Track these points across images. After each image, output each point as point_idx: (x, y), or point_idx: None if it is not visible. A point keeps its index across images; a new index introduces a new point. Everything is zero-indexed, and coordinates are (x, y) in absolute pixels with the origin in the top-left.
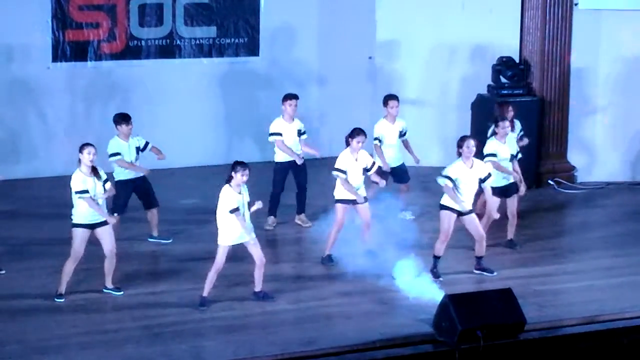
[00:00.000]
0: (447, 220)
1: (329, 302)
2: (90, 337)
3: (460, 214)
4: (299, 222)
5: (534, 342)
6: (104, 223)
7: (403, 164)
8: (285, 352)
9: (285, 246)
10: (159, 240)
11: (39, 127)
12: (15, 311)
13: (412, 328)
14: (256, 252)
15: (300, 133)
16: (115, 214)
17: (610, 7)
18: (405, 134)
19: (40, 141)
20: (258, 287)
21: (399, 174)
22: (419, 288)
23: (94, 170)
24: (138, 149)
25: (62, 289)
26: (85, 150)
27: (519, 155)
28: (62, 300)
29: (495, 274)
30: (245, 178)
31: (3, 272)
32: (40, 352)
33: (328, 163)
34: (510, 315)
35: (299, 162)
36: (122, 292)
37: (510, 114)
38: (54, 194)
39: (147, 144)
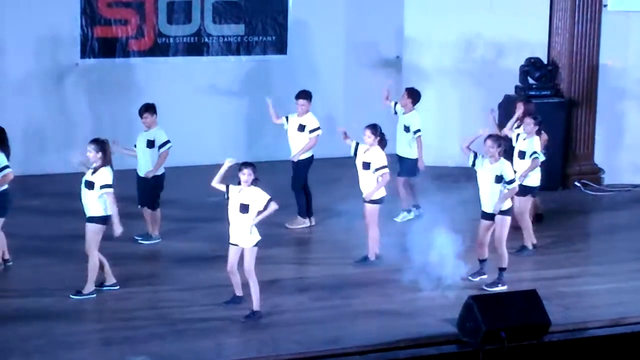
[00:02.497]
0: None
1: (353, 302)
2: (114, 333)
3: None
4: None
5: (558, 344)
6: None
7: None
8: (308, 351)
9: (309, 245)
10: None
11: (67, 122)
12: (39, 307)
13: (436, 328)
14: (244, 260)
15: (300, 129)
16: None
17: None
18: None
19: (67, 137)
20: (251, 304)
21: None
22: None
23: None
24: (150, 142)
25: (92, 285)
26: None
27: None
28: (88, 296)
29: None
30: (244, 177)
31: (10, 263)
32: (65, 347)
33: (352, 161)
34: (535, 316)
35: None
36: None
37: (519, 111)
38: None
39: (165, 143)
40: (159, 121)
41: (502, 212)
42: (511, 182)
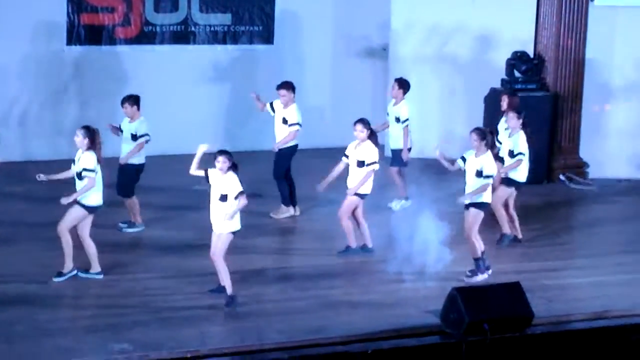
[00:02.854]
0: None
1: (336, 292)
2: (98, 320)
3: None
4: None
5: (541, 336)
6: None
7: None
8: (292, 340)
9: (293, 235)
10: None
11: (53, 109)
12: (22, 293)
13: (419, 319)
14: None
15: (284, 121)
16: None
17: (626, 3)
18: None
19: (53, 123)
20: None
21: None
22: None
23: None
24: (133, 136)
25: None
26: None
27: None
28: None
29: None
30: (219, 165)
31: None
32: (47, 334)
33: (338, 153)
34: (518, 309)
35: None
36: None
37: (504, 103)
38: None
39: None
40: (145, 109)
41: (475, 205)
42: (488, 177)
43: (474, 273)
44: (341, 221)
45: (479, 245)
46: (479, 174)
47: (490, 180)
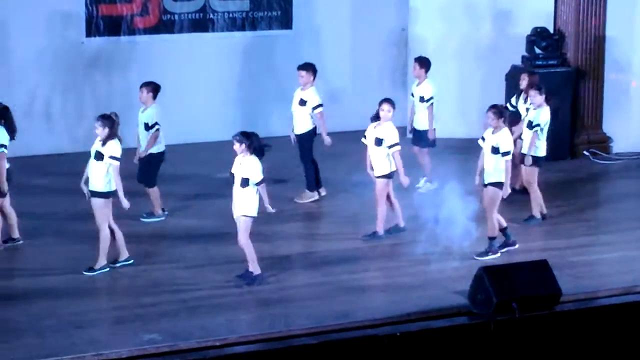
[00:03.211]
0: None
1: (363, 275)
2: (126, 311)
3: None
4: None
5: (570, 313)
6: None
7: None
8: (320, 325)
9: (318, 220)
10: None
11: (73, 102)
12: (50, 286)
13: (447, 300)
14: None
15: (302, 102)
16: None
17: None
18: None
19: (74, 116)
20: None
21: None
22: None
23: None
24: (146, 125)
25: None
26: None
27: None
28: (101, 271)
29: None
30: (235, 148)
31: (20, 242)
32: (76, 325)
33: (359, 135)
34: (546, 287)
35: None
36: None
37: (523, 82)
38: None
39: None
40: (166, 98)
41: (493, 184)
42: (506, 153)
43: (486, 253)
44: (378, 206)
45: (497, 225)
46: (495, 150)
47: (508, 157)
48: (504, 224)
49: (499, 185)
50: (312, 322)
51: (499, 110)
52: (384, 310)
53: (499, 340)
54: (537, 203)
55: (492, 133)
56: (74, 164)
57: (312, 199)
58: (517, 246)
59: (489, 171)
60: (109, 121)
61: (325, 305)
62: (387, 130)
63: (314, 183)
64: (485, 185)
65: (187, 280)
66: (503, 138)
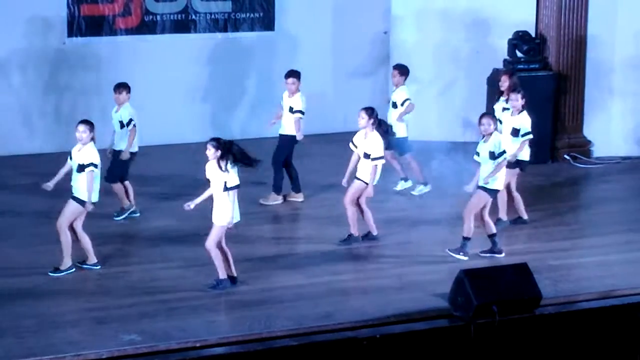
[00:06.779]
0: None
1: (344, 277)
2: (105, 312)
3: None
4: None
5: (550, 317)
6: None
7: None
8: (301, 327)
9: (299, 222)
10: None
11: (55, 102)
12: (28, 286)
13: (427, 303)
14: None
15: (291, 110)
16: None
17: None
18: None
19: (55, 116)
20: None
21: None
22: None
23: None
24: (121, 123)
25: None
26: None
27: None
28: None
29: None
30: (207, 153)
31: None
32: (55, 326)
33: (346, 139)
34: (526, 290)
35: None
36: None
37: (505, 84)
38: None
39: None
40: (147, 98)
41: (484, 188)
42: (501, 154)
43: (457, 250)
44: (346, 209)
45: (472, 227)
46: (492, 155)
47: (506, 156)
48: (494, 230)
49: (489, 191)
50: (293, 323)
51: (494, 117)
52: (365, 312)
53: (479, 343)
54: (505, 205)
55: (485, 141)
56: (54, 165)
57: (277, 202)
58: (503, 255)
59: (484, 176)
60: (92, 125)
61: (306, 307)
62: (372, 142)
63: (281, 186)
64: (478, 188)
65: (167, 281)
66: (497, 141)
